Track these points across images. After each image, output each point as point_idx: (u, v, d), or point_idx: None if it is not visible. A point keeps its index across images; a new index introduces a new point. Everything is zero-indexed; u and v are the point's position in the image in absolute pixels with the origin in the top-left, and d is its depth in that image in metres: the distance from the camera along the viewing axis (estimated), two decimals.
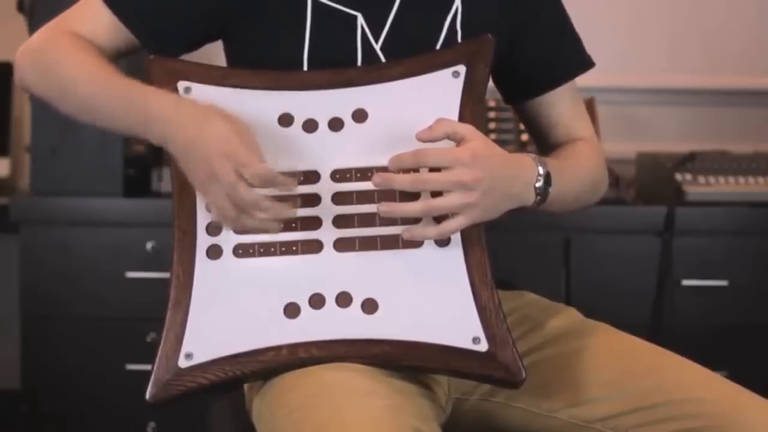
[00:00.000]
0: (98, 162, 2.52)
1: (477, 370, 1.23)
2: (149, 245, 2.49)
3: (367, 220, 1.27)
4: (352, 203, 1.27)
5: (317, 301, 1.25)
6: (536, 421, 1.33)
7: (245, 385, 1.35)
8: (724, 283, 2.55)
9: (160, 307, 1.25)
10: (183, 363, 1.22)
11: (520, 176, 1.29)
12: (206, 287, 1.25)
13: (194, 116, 1.24)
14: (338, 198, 1.28)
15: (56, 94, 1.36)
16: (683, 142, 2.91)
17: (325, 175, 1.29)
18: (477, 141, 1.24)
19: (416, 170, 1.23)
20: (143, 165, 2.67)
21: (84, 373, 2.51)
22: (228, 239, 1.27)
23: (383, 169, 1.24)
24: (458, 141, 1.24)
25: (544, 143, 1.52)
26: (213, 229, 1.27)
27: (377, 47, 1.36)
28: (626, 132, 2.95)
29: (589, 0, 2.83)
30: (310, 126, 1.31)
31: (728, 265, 2.56)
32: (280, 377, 1.23)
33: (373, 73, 1.33)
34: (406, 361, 1.23)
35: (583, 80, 1.53)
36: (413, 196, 1.24)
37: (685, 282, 2.52)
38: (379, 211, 1.23)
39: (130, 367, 2.48)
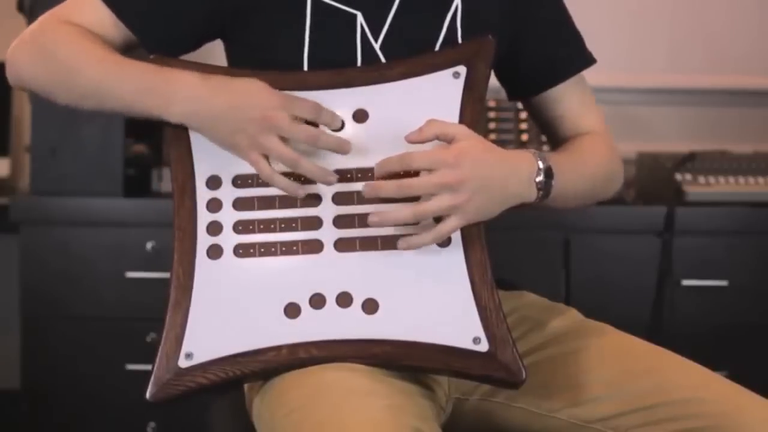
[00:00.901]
0: (98, 162, 2.52)
1: (477, 371, 1.23)
2: (149, 245, 2.49)
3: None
4: (352, 203, 1.27)
5: (318, 301, 1.24)
6: (536, 421, 1.33)
7: (245, 385, 1.34)
8: (724, 283, 2.55)
9: (160, 307, 1.25)
10: (183, 363, 1.22)
11: (516, 174, 1.28)
12: (206, 287, 1.25)
13: (229, 85, 1.27)
14: (339, 198, 1.28)
15: (57, 78, 1.33)
16: (683, 142, 2.91)
17: None
18: (466, 141, 1.23)
19: (409, 173, 1.23)
20: (143, 165, 2.67)
21: (84, 373, 2.51)
22: (228, 239, 1.26)
23: None
24: (449, 142, 1.24)
25: (552, 137, 1.52)
26: (213, 229, 1.27)
27: (377, 46, 1.36)
28: (626, 132, 2.94)
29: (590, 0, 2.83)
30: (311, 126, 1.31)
31: (728, 265, 2.56)
32: (280, 377, 1.23)
33: (374, 73, 1.32)
34: (407, 361, 1.23)
35: None
36: (408, 200, 1.23)
37: (685, 282, 2.53)
38: (370, 222, 1.23)
39: (130, 367, 2.49)
